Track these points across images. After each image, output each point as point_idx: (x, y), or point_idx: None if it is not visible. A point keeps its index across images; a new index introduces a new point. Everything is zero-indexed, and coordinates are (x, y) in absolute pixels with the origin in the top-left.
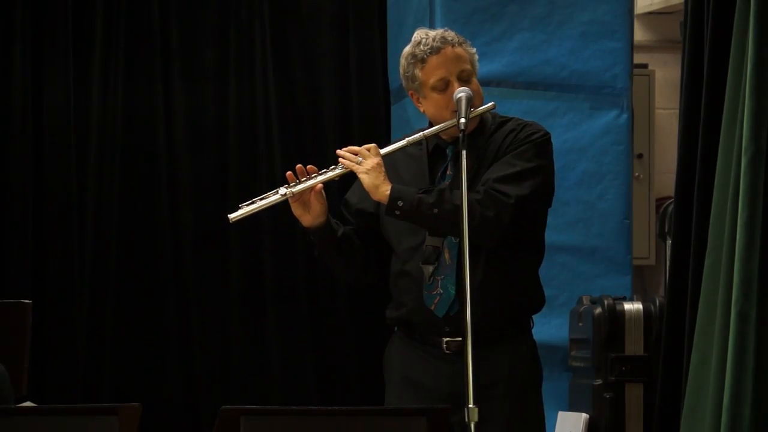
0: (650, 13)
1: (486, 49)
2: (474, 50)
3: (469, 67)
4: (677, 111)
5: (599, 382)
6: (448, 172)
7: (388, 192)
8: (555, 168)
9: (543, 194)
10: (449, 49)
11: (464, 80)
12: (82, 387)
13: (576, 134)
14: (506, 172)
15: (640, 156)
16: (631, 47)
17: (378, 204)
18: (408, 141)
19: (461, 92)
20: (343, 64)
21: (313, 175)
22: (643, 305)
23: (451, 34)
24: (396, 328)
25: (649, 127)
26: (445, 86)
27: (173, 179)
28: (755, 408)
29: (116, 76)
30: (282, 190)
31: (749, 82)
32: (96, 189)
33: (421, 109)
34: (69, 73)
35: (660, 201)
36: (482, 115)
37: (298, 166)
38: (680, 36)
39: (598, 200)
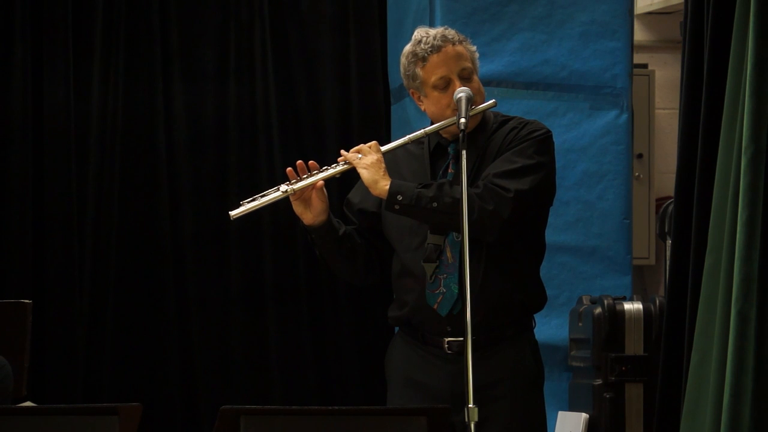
0: (650, 13)
1: (486, 49)
2: (474, 48)
3: (469, 65)
4: (677, 111)
5: (599, 381)
6: (449, 171)
7: (388, 187)
8: (555, 167)
9: (543, 191)
10: (450, 47)
11: (465, 78)
12: (82, 387)
13: (576, 134)
14: (506, 168)
15: (640, 156)
16: (631, 47)
17: (380, 203)
18: (409, 138)
19: (461, 92)
20: (343, 64)
21: (314, 172)
22: (643, 305)
23: (451, 33)
24: (397, 328)
25: (649, 127)
26: (446, 84)
27: (173, 179)
28: (755, 407)
29: (116, 76)
30: (283, 187)
31: (749, 82)
32: (96, 189)
33: (423, 108)
34: (69, 73)
35: (660, 201)
36: (484, 113)
37: (299, 162)
38: (680, 36)
39: (598, 200)
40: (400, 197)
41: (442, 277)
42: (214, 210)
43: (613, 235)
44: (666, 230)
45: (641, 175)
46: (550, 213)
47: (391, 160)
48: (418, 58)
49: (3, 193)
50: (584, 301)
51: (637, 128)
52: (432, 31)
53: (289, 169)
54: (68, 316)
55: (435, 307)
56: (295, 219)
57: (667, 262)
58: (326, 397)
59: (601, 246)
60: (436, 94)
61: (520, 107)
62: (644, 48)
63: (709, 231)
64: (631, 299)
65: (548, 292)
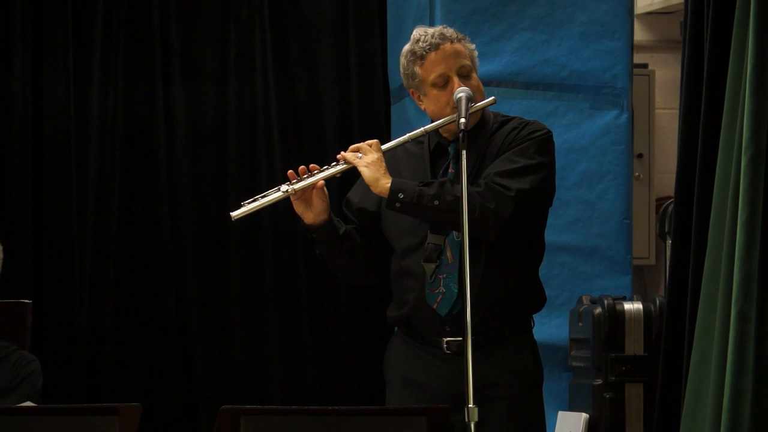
0: (650, 13)
1: (486, 48)
2: (473, 46)
3: (468, 62)
4: (677, 111)
5: (599, 381)
6: (450, 170)
7: (389, 185)
8: (555, 168)
9: (544, 191)
10: (448, 45)
11: (464, 76)
12: (82, 387)
13: (576, 134)
14: (507, 168)
15: (640, 156)
16: (631, 47)
17: (379, 202)
18: (409, 136)
19: (461, 92)
20: (343, 64)
21: (314, 172)
22: (643, 305)
23: (449, 31)
24: (396, 328)
25: (649, 127)
26: (444, 82)
27: (173, 179)
28: (755, 407)
29: (116, 76)
30: (284, 188)
31: (749, 82)
32: (96, 189)
33: (422, 107)
34: (69, 73)
35: (660, 201)
36: (484, 113)
37: (301, 167)
38: (680, 36)
39: (598, 200)
40: (401, 195)
41: (441, 276)
42: (214, 209)
43: (613, 235)
44: (666, 230)
45: (641, 175)
46: (550, 213)
47: (391, 160)
48: (417, 57)
49: (3, 193)
50: (584, 301)
51: (637, 128)
52: (430, 30)
53: (290, 171)
54: (68, 316)
55: (435, 306)
56: (295, 219)
57: (667, 262)
58: (326, 397)
59: (601, 246)
60: (435, 92)
61: (520, 107)
62: (644, 48)
63: (709, 231)
64: (631, 299)
65: (548, 292)
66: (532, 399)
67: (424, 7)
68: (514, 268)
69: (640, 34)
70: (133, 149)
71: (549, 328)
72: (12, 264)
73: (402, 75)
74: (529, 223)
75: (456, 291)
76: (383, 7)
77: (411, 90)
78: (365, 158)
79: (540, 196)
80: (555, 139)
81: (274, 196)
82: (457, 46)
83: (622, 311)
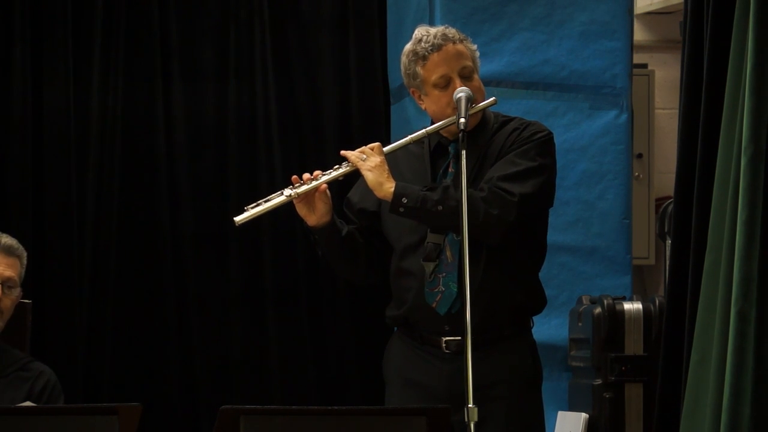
0: (650, 12)
1: (485, 48)
2: (475, 47)
3: (470, 63)
4: (677, 111)
5: (599, 381)
6: (450, 170)
7: (392, 189)
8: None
9: (546, 193)
10: (450, 46)
11: (465, 77)
12: (82, 387)
13: (576, 134)
14: (510, 171)
15: (639, 156)
16: (631, 47)
17: (380, 202)
18: (411, 138)
19: (461, 92)
20: (342, 64)
21: (317, 176)
22: (642, 305)
23: (452, 31)
24: (396, 328)
25: (649, 127)
26: (446, 83)
27: (173, 179)
28: (755, 407)
29: (116, 76)
30: (287, 192)
31: (749, 82)
32: (96, 189)
33: (423, 107)
34: (69, 73)
35: (659, 201)
36: (484, 113)
37: (305, 174)
38: (680, 36)
39: (598, 200)
40: (405, 200)
41: (441, 275)
42: (213, 210)
43: (612, 235)
44: (666, 230)
45: (641, 175)
46: (549, 213)
47: (391, 160)
48: (419, 57)
49: (2, 193)
50: (584, 301)
51: (637, 128)
52: (432, 30)
53: (294, 176)
54: (68, 316)
55: (434, 305)
56: (295, 220)
57: (667, 262)
58: (325, 397)
59: (600, 246)
60: (436, 92)
61: (520, 107)
62: (644, 48)
63: (708, 231)
64: (630, 299)
65: (548, 292)
66: (531, 399)
67: (423, 7)
68: (514, 268)
69: (639, 34)
70: (133, 149)
71: (548, 327)
72: None
73: (403, 74)
74: (530, 225)
75: (455, 290)
76: (383, 7)
77: (412, 90)
78: (369, 162)
79: (542, 198)
80: (555, 139)
81: (277, 200)
82: (460, 47)
83: (622, 311)
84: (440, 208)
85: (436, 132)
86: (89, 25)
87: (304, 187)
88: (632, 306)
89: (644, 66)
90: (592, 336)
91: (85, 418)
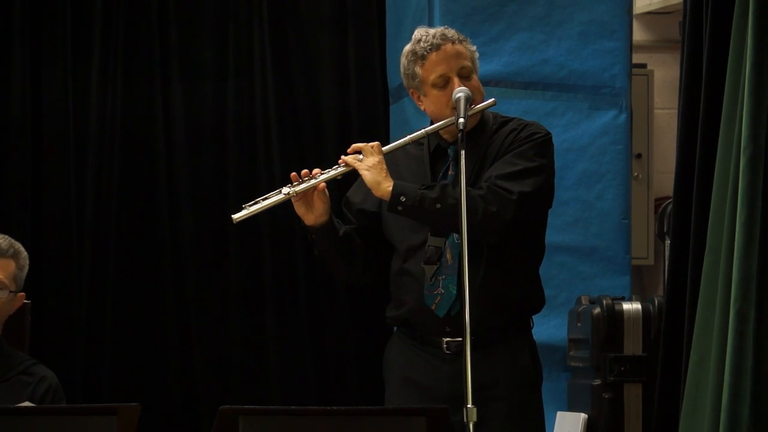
0: (649, 12)
1: (485, 49)
2: (474, 48)
3: (469, 64)
4: (676, 111)
5: (598, 382)
6: (449, 173)
7: (390, 188)
8: (555, 169)
9: (544, 193)
10: (449, 45)
11: (464, 77)
12: (81, 387)
13: (575, 134)
14: (508, 170)
15: (638, 156)
16: (630, 47)
17: (380, 203)
18: (410, 138)
19: (460, 92)
20: (341, 64)
21: (315, 175)
22: (641, 305)
23: (451, 32)
24: (396, 328)
25: (648, 127)
26: (445, 83)
27: (172, 179)
28: (754, 407)
29: (115, 76)
30: (285, 190)
31: (748, 82)
32: (95, 189)
33: (422, 108)
34: (68, 73)
35: (659, 201)
36: (483, 114)
37: (304, 171)
38: (679, 36)
39: (597, 200)
40: (403, 198)
41: (441, 278)
42: (213, 210)
43: (611, 235)
44: (665, 230)
45: (640, 175)
46: (549, 213)
47: (390, 162)
48: (418, 57)
49: (2, 194)
50: (583, 301)
51: (636, 128)
52: (432, 30)
53: (293, 174)
54: (67, 316)
55: (433, 308)
56: (294, 219)
57: (666, 262)
58: (325, 397)
59: (599, 246)
60: (435, 92)
61: (519, 107)
62: (643, 48)
63: (707, 231)
64: (629, 299)
65: (547, 292)
66: (531, 399)
67: (422, 8)
68: (514, 269)
69: (638, 34)
70: (132, 149)
71: (548, 328)
72: None
73: (402, 75)
74: (529, 225)
75: (454, 292)
76: (382, 8)
77: (411, 90)
78: (366, 161)
79: (541, 198)
80: (554, 139)
81: (275, 198)
82: (459, 47)
83: (621, 311)
84: (438, 206)
85: (436, 134)
86: (88, 25)
87: (303, 186)
88: (631, 306)
89: (643, 66)
90: (591, 336)
91: (84, 418)
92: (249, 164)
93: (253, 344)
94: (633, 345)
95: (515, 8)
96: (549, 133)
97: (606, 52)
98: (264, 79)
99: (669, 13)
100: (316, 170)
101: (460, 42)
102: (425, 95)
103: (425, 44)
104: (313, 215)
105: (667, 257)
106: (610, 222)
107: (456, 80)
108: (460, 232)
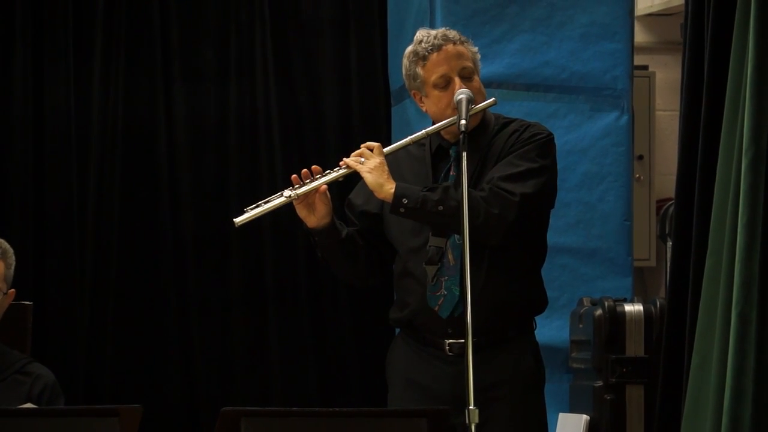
0: (651, 14)
1: (486, 50)
2: (476, 49)
3: (470, 65)
4: (678, 113)
5: (600, 383)
6: (451, 173)
7: (393, 190)
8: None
9: (546, 194)
10: (450, 46)
11: (466, 78)
12: (83, 388)
13: (576, 136)
14: (510, 171)
15: (640, 157)
16: (632, 49)
17: (382, 205)
18: (411, 139)
19: (461, 94)
20: (343, 66)
21: (317, 177)
22: (643, 307)
23: (452, 33)
24: (398, 330)
25: (650, 128)
26: (446, 83)
27: (174, 180)
28: (756, 409)
29: (116, 77)
30: (287, 193)
31: (750, 84)
32: (96, 190)
33: (424, 109)
34: (69, 74)
35: (660, 202)
36: (485, 115)
37: (304, 171)
38: (681, 37)
39: (599, 202)
40: (405, 200)
41: (443, 279)
42: (214, 210)
43: (613, 236)
44: (667, 232)
45: (642, 177)
46: (550, 214)
47: (392, 163)
48: (419, 57)
49: (4, 194)
50: (585, 303)
51: (638, 130)
52: (433, 31)
53: (293, 176)
54: (69, 318)
55: (436, 309)
56: (296, 221)
57: (668, 264)
58: (327, 399)
59: (601, 248)
60: (436, 93)
61: (521, 109)
62: (645, 49)
63: (709, 233)
64: (631, 301)
65: (549, 293)
66: (534, 401)
67: (424, 9)
68: (516, 270)
69: (640, 36)
70: (134, 150)
71: (549, 329)
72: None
73: (404, 76)
74: (531, 226)
75: (457, 293)
76: (383, 9)
77: (413, 91)
78: (368, 163)
79: (543, 199)
80: (556, 140)
81: (277, 201)
82: (460, 47)
83: (623, 313)
84: (441, 208)
85: (437, 135)
86: (90, 26)
87: (304, 188)
88: (633, 308)
89: (645, 68)
90: (593, 338)
91: (85, 419)
92: (250, 165)
93: (255, 346)
94: (635, 346)
95: (517, 10)
96: (551, 134)
97: (607, 53)
98: (266, 80)
99: (670, 14)
100: (316, 167)
101: (462, 43)
102: (427, 96)
103: (426, 45)
104: (315, 218)
105: (668, 259)
106: (612, 223)
107: (457, 81)
108: (462, 234)
